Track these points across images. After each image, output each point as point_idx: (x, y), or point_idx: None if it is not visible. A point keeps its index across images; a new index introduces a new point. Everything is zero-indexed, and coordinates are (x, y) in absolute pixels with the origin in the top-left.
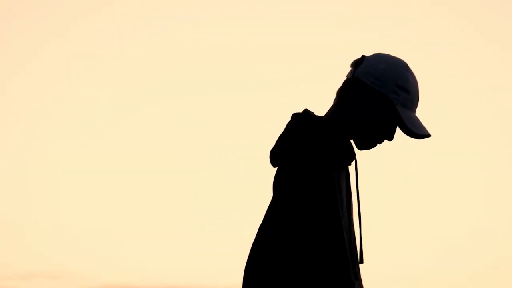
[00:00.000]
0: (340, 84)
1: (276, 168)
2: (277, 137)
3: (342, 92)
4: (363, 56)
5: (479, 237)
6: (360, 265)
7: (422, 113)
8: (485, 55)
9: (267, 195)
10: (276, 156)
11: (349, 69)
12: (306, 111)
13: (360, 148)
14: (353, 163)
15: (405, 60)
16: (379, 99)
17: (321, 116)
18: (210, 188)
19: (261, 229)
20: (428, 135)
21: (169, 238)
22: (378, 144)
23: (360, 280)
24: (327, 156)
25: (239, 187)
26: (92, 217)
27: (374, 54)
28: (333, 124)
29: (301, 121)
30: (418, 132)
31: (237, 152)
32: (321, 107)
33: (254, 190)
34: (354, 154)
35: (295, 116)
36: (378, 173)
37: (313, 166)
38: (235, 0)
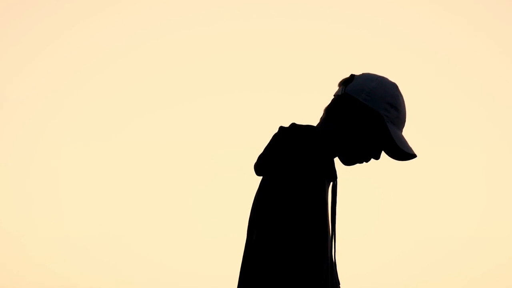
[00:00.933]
0: (325, 100)
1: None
2: (264, 147)
3: (332, 109)
4: (352, 75)
5: (477, 241)
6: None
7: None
8: (478, 57)
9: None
10: (262, 165)
11: (336, 88)
12: (293, 124)
13: (347, 163)
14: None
15: (403, 60)
16: (370, 115)
17: (312, 129)
18: (213, 195)
19: (247, 236)
20: (415, 156)
21: (173, 244)
22: (364, 162)
23: None
24: (316, 167)
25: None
26: (96, 223)
27: (363, 73)
28: (323, 137)
29: (292, 131)
30: (406, 150)
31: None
32: (314, 114)
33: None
34: (336, 172)
35: (282, 128)
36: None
37: (302, 177)
38: (236, 0)
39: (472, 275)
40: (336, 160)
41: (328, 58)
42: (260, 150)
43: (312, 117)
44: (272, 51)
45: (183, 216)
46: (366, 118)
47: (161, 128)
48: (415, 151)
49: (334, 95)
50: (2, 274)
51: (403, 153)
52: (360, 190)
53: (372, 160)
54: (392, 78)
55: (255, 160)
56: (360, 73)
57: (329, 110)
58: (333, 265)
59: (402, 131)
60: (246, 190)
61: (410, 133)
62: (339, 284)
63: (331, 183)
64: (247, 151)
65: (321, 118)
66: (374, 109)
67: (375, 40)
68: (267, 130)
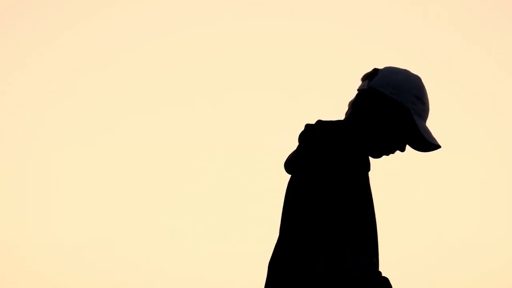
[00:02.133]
0: (347, 94)
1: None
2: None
3: (358, 103)
4: (375, 69)
5: (476, 241)
6: None
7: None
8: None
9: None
10: (296, 163)
11: (359, 82)
12: (320, 121)
13: (374, 156)
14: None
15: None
16: (397, 108)
17: (339, 124)
18: (214, 197)
19: (292, 256)
20: (439, 146)
21: (170, 246)
22: (391, 154)
23: None
24: (353, 161)
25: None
26: (90, 227)
27: (386, 67)
28: (352, 131)
29: (320, 128)
30: (433, 142)
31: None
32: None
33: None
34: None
35: (309, 126)
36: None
37: (344, 173)
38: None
39: (470, 276)
40: None
41: (327, 58)
42: (260, 150)
43: (313, 116)
44: (272, 51)
45: (180, 218)
46: (394, 111)
47: (159, 129)
48: (439, 142)
49: (358, 89)
50: None
51: (428, 144)
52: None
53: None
54: None
55: (254, 161)
56: (382, 67)
57: (355, 104)
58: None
59: (426, 123)
60: (246, 191)
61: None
62: None
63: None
64: (246, 152)
65: (346, 112)
66: (401, 102)
67: (373, 40)
68: (267, 130)
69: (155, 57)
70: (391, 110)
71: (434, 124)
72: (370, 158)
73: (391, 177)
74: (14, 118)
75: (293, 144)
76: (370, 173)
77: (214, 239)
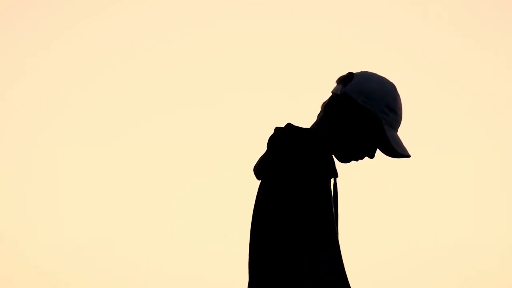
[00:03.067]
0: (323, 95)
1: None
2: (262, 149)
3: (330, 107)
4: (350, 73)
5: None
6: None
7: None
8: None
9: None
10: (262, 169)
11: (334, 84)
12: (289, 125)
13: (342, 161)
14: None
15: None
16: (368, 117)
17: (308, 129)
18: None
19: (250, 241)
20: (409, 156)
21: (171, 246)
22: (359, 160)
23: None
24: (317, 167)
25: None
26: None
27: (362, 72)
28: (321, 138)
29: (288, 133)
30: (401, 152)
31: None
32: (312, 113)
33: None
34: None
35: (278, 130)
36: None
37: (305, 178)
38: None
39: (462, 276)
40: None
41: (327, 58)
42: (259, 150)
43: (310, 117)
44: (272, 51)
45: (181, 218)
46: (364, 120)
47: (161, 130)
48: (409, 151)
49: (332, 92)
50: None
51: (396, 154)
52: (351, 191)
53: (366, 158)
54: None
55: (253, 163)
56: (358, 71)
57: (326, 109)
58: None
59: (397, 131)
60: (246, 192)
61: (404, 133)
62: None
63: (332, 182)
64: (246, 152)
65: (318, 114)
66: (372, 112)
67: (373, 40)
68: (266, 130)
69: (154, 58)
70: (361, 118)
71: (430, 123)
72: (340, 163)
73: (384, 178)
74: (17, 117)
75: None
76: (352, 177)
77: (214, 239)
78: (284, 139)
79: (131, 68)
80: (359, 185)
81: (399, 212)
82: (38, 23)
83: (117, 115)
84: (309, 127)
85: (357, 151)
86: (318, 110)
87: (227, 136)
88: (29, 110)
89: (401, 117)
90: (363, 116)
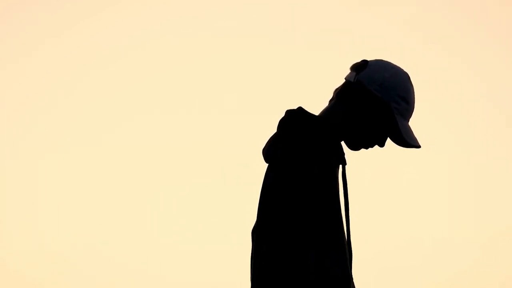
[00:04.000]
0: (335, 82)
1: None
2: (271, 134)
3: (342, 94)
4: (365, 61)
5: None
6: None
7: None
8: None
9: None
10: (272, 152)
11: (348, 71)
12: (300, 108)
13: (352, 149)
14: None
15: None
16: (380, 106)
17: (319, 115)
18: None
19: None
20: (419, 146)
21: (168, 248)
22: (369, 148)
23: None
24: (326, 153)
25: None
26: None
27: (377, 60)
28: (332, 124)
29: (299, 117)
30: (411, 142)
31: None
32: (314, 104)
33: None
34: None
35: (289, 113)
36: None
37: (313, 164)
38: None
39: (445, 273)
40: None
41: (327, 58)
42: (258, 150)
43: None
44: (272, 51)
45: (182, 218)
46: (376, 109)
47: (157, 130)
48: (420, 142)
49: (345, 79)
50: None
51: (406, 144)
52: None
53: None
54: None
55: (252, 163)
56: (372, 59)
57: (339, 95)
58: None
59: (408, 122)
60: (246, 192)
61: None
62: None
63: (341, 170)
64: (246, 152)
65: (330, 100)
66: (385, 101)
67: (369, 41)
68: (266, 130)
69: (153, 58)
70: (373, 107)
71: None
72: (349, 151)
73: (371, 173)
74: (3, 119)
75: None
76: (348, 167)
77: (214, 239)
78: (295, 123)
79: (129, 68)
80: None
81: (391, 205)
82: (34, 23)
83: (111, 116)
84: (320, 112)
85: (368, 139)
86: (316, 110)
87: (227, 136)
88: (20, 109)
89: (413, 108)
90: (375, 104)
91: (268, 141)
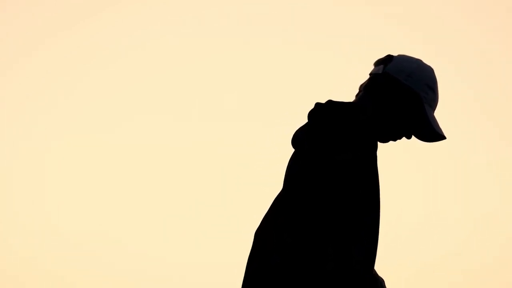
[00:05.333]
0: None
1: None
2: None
3: (370, 87)
4: (390, 55)
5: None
6: None
7: None
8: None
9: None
10: (300, 139)
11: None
12: (330, 101)
13: (382, 141)
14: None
15: None
16: (409, 96)
17: (351, 103)
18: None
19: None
20: (445, 137)
21: (171, 240)
22: (397, 140)
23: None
24: (363, 144)
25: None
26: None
27: (400, 55)
28: (363, 114)
29: (332, 108)
30: (440, 132)
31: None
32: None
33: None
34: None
35: (319, 105)
36: None
37: (352, 156)
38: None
39: (422, 259)
40: None
41: (327, 59)
42: (258, 151)
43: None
44: (272, 51)
45: (186, 218)
46: (406, 98)
47: (159, 128)
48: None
49: (370, 74)
50: None
51: (434, 134)
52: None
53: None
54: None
55: (253, 162)
56: (396, 55)
57: (368, 88)
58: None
59: (434, 113)
60: (245, 192)
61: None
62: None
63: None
64: (246, 152)
65: (357, 95)
66: (414, 90)
67: (369, 42)
68: (267, 130)
69: (153, 58)
70: (403, 97)
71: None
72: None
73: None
74: (5, 118)
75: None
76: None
77: (213, 239)
78: (331, 113)
79: (131, 67)
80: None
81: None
82: (34, 22)
83: (115, 114)
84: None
85: (397, 130)
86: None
87: (226, 135)
88: (19, 108)
89: (438, 98)
90: (404, 94)
91: (299, 128)
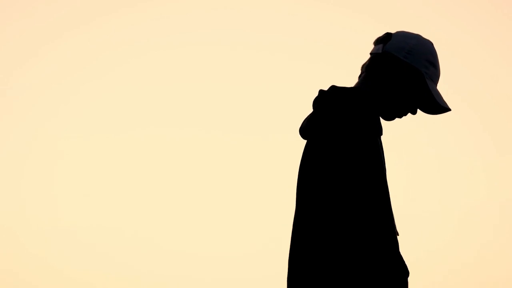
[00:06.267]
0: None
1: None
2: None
3: (371, 67)
4: (388, 33)
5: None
6: None
7: None
8: None
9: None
10: (308, 128)
11: (371, 46)
12: (333, 86)
13: (387, 119)
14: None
15: None
16: (411, 72)
17: (353, 88)
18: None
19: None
20: (449, 109)
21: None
22: (402, 117)
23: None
24: (367, 126)
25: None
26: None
27: (399, 31)
28: (366, 95)
29: (335, 93)
30: (443, 105)
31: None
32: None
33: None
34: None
35: (322, 92)
36: None
37: (357, 138)
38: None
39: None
40: None
41: (328, 59)
42: (258, 152)
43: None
44: (273, 52)
45: (185, 211)
46: (407, 75)
47: (165, 125)
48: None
49: (371, 53)
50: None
51: (439, 107)
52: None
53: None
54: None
55: (255, 162)
56: (394, 32)
57: (369, 68)
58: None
59: (437, 86)
60: (246, 191)
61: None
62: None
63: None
64: (246, 152)
65: (359, 76)
66: (415, 66)
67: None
68: (266, 131)
69: (155, 59)
70: (405, 74)
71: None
72: (382, 122)
73: None
74: (27, 109)
75: (292, 144)
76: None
77: (216, 239)
78: (333, 99)
79: (134, 66)
80: None
81: None
82: (41, 22)
83: (128, 113)
84: (351, 87)
85: (401, 107)
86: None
87: (227, 136)
88: (29, 103)
89: (440, 72)
90: (406, 71)
91: (305, 119)
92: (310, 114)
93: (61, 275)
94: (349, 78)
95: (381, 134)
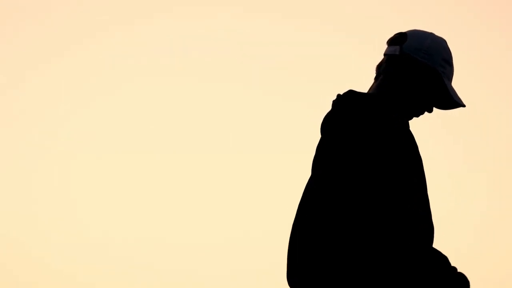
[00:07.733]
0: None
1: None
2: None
3: (389, 69)
4: (402, 33)
5: None
6: None
7: None
8: None
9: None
10: (326, 128)
11: (384, 46)
12: (351, 91)
13: (404, 119)
14: None
15: None
16: (429, 73)
17: (372, 94)
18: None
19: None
20: (464, 105)
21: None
22: (420, 116)
23: None
24: (396, 133)
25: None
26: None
27: (412, 30)
28: (386, 99)
29: (357, 100)
30: (460, 102)
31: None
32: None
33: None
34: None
35: (340, 96)
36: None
37: (392, 151)
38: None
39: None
40: None
41: (328, 60)
42: (258, 154)
43: (310, 117)
44: (274, 53)
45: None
46: (426, 76)
47: (168, 133)
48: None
49: (385, 54)
50: (12, 280)
51: (454, 103)
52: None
53: None
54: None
55: (256, 163)
56: (407, 31)
57: (386, 69)
58: None
59: (452, 83)
60: (246, 192)
61: None
62: None
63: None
64: (247, 154)
65: (376, 77)
66: (432, 67)
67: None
68: (266, 131)
69: (158, 61)
70: (424, 75)
71: None
72: None
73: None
74: (41, 118)
75: (294, 147)
76: None
77: (217, 238)
78: (354, 105)
79: (143, 76)
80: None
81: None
82: (55, 29)
83: (143, 118)
84: (369, 90)
85: (419, 107)
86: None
87: (228, 136)
88: (44, 110)
89: (454, 69)
90: (424, 72)
91: (324, 118)
92: (329, 113)
93: (61, 275)
94: (348, 80)
95: (414, 141)
